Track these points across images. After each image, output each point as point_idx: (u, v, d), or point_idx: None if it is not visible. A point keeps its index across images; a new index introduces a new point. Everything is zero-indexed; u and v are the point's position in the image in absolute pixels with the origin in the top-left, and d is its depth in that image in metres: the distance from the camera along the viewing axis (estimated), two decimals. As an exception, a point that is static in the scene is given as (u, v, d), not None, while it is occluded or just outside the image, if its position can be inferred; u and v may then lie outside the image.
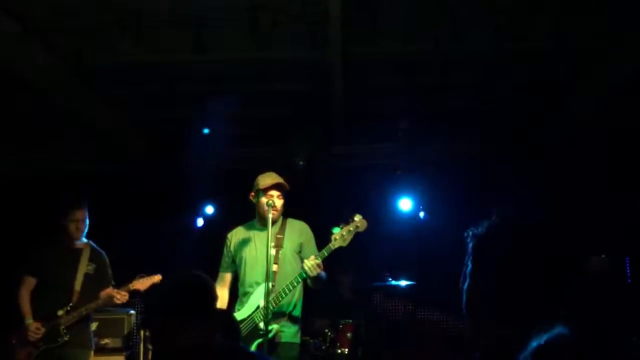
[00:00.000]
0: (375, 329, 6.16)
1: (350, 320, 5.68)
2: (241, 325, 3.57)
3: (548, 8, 4.06)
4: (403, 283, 5.80)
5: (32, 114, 5.34)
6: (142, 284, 4.26)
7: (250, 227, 3.92)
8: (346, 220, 3.56)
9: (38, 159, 6.41)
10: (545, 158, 6.22)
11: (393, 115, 5.74)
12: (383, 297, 6.65)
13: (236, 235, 3.93)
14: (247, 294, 3.69)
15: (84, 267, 4.33)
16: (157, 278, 4.28)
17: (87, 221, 4.39)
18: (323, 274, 3.69)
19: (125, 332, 5.32)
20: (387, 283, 5.82)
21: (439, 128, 5.93)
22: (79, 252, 4.39)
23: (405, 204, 6.68)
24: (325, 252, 3.48)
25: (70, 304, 4.21)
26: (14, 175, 6.24)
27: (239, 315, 3.66)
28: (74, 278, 4.28)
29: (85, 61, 4.46)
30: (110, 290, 4.24)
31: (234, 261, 3.88)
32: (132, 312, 5.48)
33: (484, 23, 4.24)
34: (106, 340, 5.21)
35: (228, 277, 3.93)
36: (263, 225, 3.63)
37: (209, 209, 6.96)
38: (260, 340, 3.42)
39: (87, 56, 4.45)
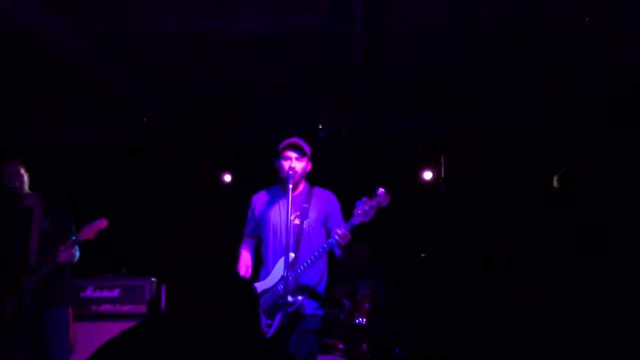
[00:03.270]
0: (392, 299, 6.15)
1: (368, 291, 5.70)
2: (265, 296, 3.52)
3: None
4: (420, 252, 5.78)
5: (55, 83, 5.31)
6: (88, 232, 3.98)
7: (274, 192, 3.82)
8: (368, 193, 3.49)
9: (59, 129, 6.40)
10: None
11: (416, 86, 5.63)
12: (400, 267, 6.63)
13: (260, 199, 3.83)
14: (271, 262, 3.66)
15: (37, 223, 4.06)
16: (103, 223, 4.01)
17: (23, 175, 4.08)
18: (351, 245, 3.64)
19: (147, 299, 5.36)
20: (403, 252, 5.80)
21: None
22: (29, 209, 4.10)
23: (427, 175, 6.65)
24: (348, 227, 3.42)
25: (30, 267, 3.97)
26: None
27: (264, 284, 3.59)
28: (28, 238, 4.02)
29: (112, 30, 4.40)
30: (62, 247, 3.95)
31: (258, 225, 3.83)
32: (154, 279, 5.51)
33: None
34: (128, 307, 5.28)
35: (253, 241, 3.89)
36: (286, 190, 3.56)
37: (227, 177, 7.00)
38: (283, 311, 3.40)
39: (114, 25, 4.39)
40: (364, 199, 3.39)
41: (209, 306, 1.85)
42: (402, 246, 6.18)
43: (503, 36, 4.61)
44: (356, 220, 3.39)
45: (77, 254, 4.14)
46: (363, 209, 3.37)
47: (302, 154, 3.65)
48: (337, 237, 3.36)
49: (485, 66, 5.17)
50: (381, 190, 3.39)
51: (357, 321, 5.49)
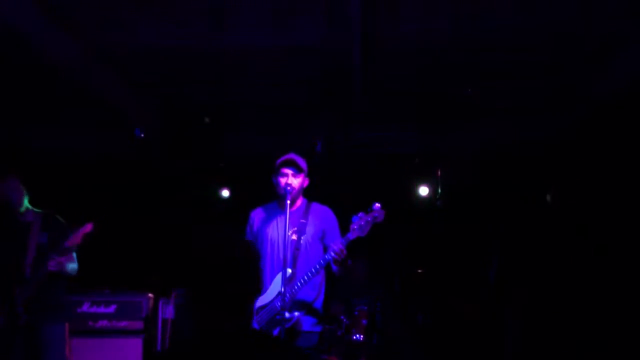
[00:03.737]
0: (390, 315, 6.12)
1: (366, 307, 5.66)
2: (262, 312, 3.50)
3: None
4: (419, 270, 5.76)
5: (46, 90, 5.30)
6: (75, 237, 4.00)
7: (272, 208, 3.82)
8: (364, 208, 3.49)
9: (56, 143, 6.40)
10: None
11: (413, 101, 5.65)
12: (398, 283, 6.61)
13: (258, 215, 3.83)
14: (269, 278, 3.64)
15: (35, 238, 4.11)
16: (87, 227, 4.02)
17: (22, 190, 4.16)
18: (349, 261, 3.64)
19: (144, 315, 5.32)
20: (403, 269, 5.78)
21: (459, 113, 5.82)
22: (27, 224, 4.17)
23: (423, 190, 6.66)
24: (344, 242, 3.41)
25: (24, 278, 3.99)
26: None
27: (262, 300, 3.57)
28: (24, 252, 4.06)
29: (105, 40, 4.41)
30: (53, 255, 3.98)
31: (256, 241, 3.83)
32: (151, 295, 5.47)
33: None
34: (124, 323, 5.24)
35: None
36: (283, 206, 3.57)
37: (225, 192, 6.98)
38: (280, 327, 3.38)
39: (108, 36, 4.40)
40: (360, 214, 3.40)
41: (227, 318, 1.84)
42: (399, 262, 6.16)
43: (501, 48, 4.64)
44: (352, 235, 3.39)
45: (75, 266, 4.15)
46: (359, 224, 3.37)
47: (298, 170, 3.65)
48: (332, 252, 3.36)
49: (484, 78, 5.19)
50: (377, 205, 3.41)
51: (354, 337, 5.44)
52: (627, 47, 4.43)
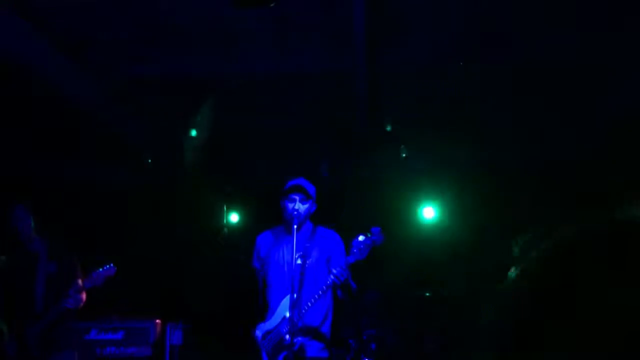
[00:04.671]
0: (399, 341, 6.05)
1: (374, 331, 5.60)
2: (268, 337, 3.47)
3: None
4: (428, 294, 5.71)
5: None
6: (96, 279, 3.96)
7: (279, 232, 3.79)
8: (366, 231, 3.49)
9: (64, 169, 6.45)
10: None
11: (417, 125, 5.68)
12: (407, 309, 6.55)
13: (265, 239, 3.82)
14: (275, 303, 3.61)
15: (43, 268, 4.06)
16: (111, 271, 3.99)
17: (29, 219, 4.10)
18: (353, 284, 3.58)
19: (152, 341, 5.29)
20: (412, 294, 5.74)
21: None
22: (35, 254, 4.12)
23: (428, 212, 6.64)
24: (344, 265, 3.40)
25: (35, 313, 3.94)
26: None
27: (268, 325, 3.53)
28: (33, 283, 4.02)
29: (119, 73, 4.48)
30: (70, 292, 3.92)
31: (263, 266, 3.80)
32: (158, 321, 5.45)
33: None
34: (132, 349, 5.22)
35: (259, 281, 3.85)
36: (290, 230, 3.57)
37: (234, 217, 6.97)
38: (285, 353, 3.34)
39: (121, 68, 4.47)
40: (359, 237, 3.39)
41: None
42: (407, 285, 6.11)
43: (503, 71, 4.67)
44: (352, 258, 3.38)
45: (84, 296, 4.12)
46: (358, 247, 3.37)
47: (306, 196, 3.63)
48: (332, 276, 3.35)
49: (484, 102, 5.22)
50: (376, 228, 3.41)
51: (363, 362, 5.38)
52: None
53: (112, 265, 4.03)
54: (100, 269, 4.01)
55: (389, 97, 5.09)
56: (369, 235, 3.39)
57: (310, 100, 5.20)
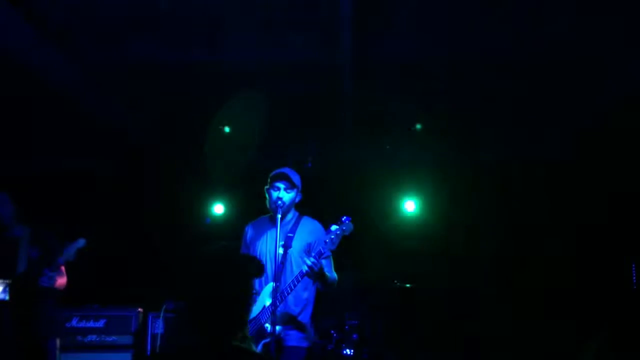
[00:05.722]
0: (378, 329, 6.08)
1: (356, 321, 5.63)
2: (250, 325, 3.46)
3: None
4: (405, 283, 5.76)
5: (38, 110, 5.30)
6: (67, 254, 3.99)
7: (264, 222, 3.78)
8: (355, 222, 3.50)
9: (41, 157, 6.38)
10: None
11: (401, 118, 5.68)
12: (385, 297, 6.59)
13: (251, 228, 3.80)
14: (255, 293, 3.61)
15: (25, 252, 4.09)
16: (80, 243, 4.01)
17: (11, 205, 4.14)
18: (332, 275, 3.58)
19: (133, 329, 5.27)
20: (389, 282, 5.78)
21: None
22: (16, 239, 4.13)
23: (409, 205, 6.69)
24: (317, 255, 3.40)
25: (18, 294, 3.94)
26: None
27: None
28: (15, 267, 4.04)
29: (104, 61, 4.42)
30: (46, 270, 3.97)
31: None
32: (141, 310, 5.42)
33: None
34: (113, 338, 5.19)
35: None
36: (274, 220, 3.50)
37: (218, 208, 6.92)
38: (265, 341, 3.34)
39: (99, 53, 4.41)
40: (332, 227, 3.40)
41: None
42: (389, 277, 6.14)
43: (488, 68, 4.69)
44: (325, 248, 3.39)
45: (64, 280, 4.11)
46: (329, 237, 3.37)
47: (291, 184, 3.61)
48: (305, 266, 3.35)
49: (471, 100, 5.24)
50: (345, 218, 3.41)
51: (344, 352, 5.40)
52: None
53: (81, 238, 4.05)
54: (70, 244, 4.02)
55: (374, 88, 5.07)
56: (339, 225, 3.39)
57: (295, 91, 5.17)
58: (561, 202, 6.11)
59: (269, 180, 3.64)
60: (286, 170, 3.65)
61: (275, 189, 3.59)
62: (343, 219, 3.41)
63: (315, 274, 3.38)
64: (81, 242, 4.05)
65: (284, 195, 3.57)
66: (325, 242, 3.37)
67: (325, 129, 5.75)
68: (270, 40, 4.32)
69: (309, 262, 3.32)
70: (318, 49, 4.40)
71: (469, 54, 4.45)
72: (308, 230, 3.69)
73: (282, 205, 3.51)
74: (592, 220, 5.75)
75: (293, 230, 3.63)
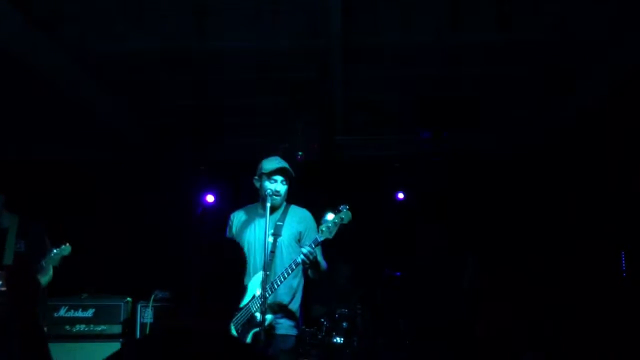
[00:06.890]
0: (371, 318, 6.07)
1: (346, 310, 5.62)
2: (238, 315, 3.45)
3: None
4: (399, 273, 5.74)
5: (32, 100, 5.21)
6: (53, 260, 3.98)
7: (252, 211, 3.74)
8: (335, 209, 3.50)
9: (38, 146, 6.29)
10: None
11: (393, 106, 5.64)
12: (380, 287, 6.59)
13: (238, 217, 3.76)
14: (245, 281, 3.57)
15: (11, 245, 4.04)
16: (65, 250, 4.01)
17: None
18: (324, 262, 3.56)
19: (122, 319, 5.23)
20: (385, 273, 5.76)
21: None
22: (4, 230, 4.07)
23: (401, 195, 6.69)
24: (312, 244, 3.40)
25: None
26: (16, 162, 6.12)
27: (236, 303, 3.52)
28: (1, 258, 3.98)
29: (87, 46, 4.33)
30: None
31: None
32: (129, 299, 5.37)
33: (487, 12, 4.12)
34: (102, 327, 5.15)
35: None
36: (263, 209, 3.48)
37: (209, 198, 6.87)
38: (255, 330, 3.31)
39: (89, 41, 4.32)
40: (328, 215, 3.40)
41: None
42: (379, 265, 6.13)
43: (479, 57, 4.64)
44: (321, 237, 3.38)
45: (48, 277, 4.05)
46: (327, 226, 3.36)
47: (289, 179, 3.63)
48: (301, 254, 3.33)
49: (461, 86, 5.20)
50: (343, 207, 3.41)
51: (335, 340, 5.39)
52: None
53: (67, 244, 4.03)
54: (55, 249, 3.99)
55: (364, 76, 5.01)
56: (337, 213, 3.39)
57: (285, 80, 5.10)
58: (549, 189, 6.12)
59: (264, 171, 3.61)
60: (284, 163, 3.64)
61: (273, 181, 3.57)
62: (341, 208, 3.41)
63: (311, 263, 3.37)
64: (66, 249, 4.02)
65: (282, 188, 3.59)
66: (322, 230, 3.36)
67: (316, 118, 5.69)
68: (258, 27, 4.25)
69: (304, 251, 3.30)
70: (306, 35, 4.33)
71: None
72: (297, 219, 3.66)
73: (278, 198, 3.53)
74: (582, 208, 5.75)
75: (283, 219, 3.61)
